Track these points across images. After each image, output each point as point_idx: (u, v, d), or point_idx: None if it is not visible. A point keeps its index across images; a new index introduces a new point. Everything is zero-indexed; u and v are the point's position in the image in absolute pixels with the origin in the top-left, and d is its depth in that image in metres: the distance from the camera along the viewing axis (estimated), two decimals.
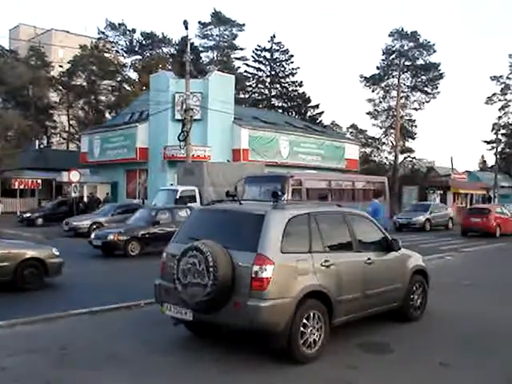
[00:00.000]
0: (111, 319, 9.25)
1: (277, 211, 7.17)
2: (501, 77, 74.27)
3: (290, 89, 67.36)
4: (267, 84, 68.02)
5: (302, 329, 6.84)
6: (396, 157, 60.86)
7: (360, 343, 7.80)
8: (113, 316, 9.49)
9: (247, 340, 7.32)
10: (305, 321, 6.87)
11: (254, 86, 68.31)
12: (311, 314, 6.96)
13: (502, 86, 74.67)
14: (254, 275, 6.54)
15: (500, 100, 75.35)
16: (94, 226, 23.81)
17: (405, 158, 65.28)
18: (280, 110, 63.92)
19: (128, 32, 62.43)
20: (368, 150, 66.25)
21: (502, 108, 75.81)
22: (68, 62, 56.59)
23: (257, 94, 68.29)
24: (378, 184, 28.45)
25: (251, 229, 6.92)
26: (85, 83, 57.28)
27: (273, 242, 6.76)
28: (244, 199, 8.23)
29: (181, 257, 6.96)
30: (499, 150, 75.36)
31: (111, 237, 18.16)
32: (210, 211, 7.99)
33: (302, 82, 67.03)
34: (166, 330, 8.00)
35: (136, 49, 63.43)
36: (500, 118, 76.40)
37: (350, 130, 69.59)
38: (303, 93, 66.82)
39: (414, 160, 66.66)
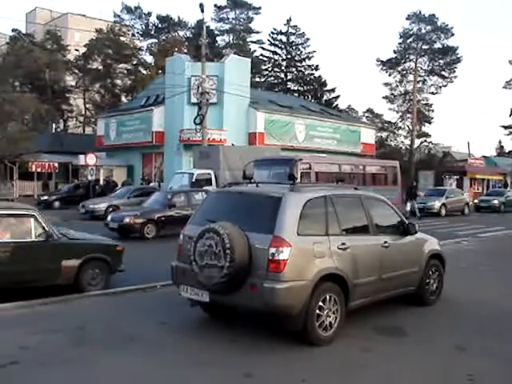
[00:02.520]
0: (127, 301, 9.33)
1: (294, 193, 7.16)
2: None
3: (305, 72, 67.10)
4: (283, 68, 67.76)
5: (317, 311, 6.86)
6: (412, 141, 60.57)
7: (375, 326, 7.82)
8: (129, 298, 9.57)
9: (263, 321, 7.36)
10: (321, 303, 6.89)
11: (269, 69, 68.09)
12: (327, 297, 6.97)
13: None
14: (270, 257, 6.56)
15: None
16: (111, 209, 23.94)
17: (421, 143, 64.90)
18: (296, 94, 63.69)
19: (144, 15, 62.45)
20: (384, 134, 65.95)
21: None
22: (84, 46, 56.71)
23: (273, 78, 68.08)
24: (390, 168, 28.15)
25: (268, 211, 6.93)
26: (101, 67, 57.38)
27: (290, 224, 6.77)
28: (262, 182, 8.20)
29: (198, 239, 6.99)
30: None
31: (127, 219, 18.27)
32: (227, 193, 8.00)
33: (318, 65, 66.85)
34: (182, 311, 8.05)
35: (152, 32, 63.38)
36: None
37: (366, 114, 69.26)
38: (319, 76, 66.55)
39: (430, 145, 66.23)
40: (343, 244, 7.27)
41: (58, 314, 8.35)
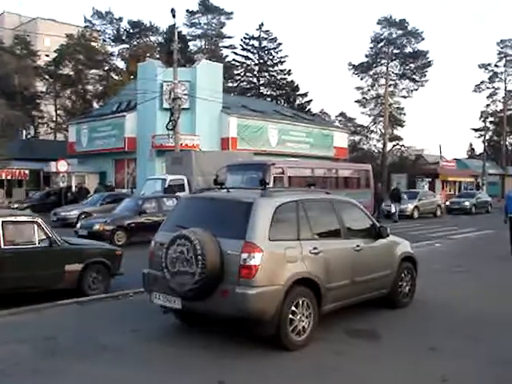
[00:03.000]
0: (99, 309, 9.22)
1: (265, 199, 7.15)
2: (489, 65, 74.74)
3: (278, 77, 67.27)
4: (255, 72, 67.87)
5: (290, 316, 6.84)
6: (384, 145, 61.08)
7: (349, 330, 7.83)
8: (102, 306, 9.47)
9: (236, 327, 7.31)
10: (294, 308, 6.88)
11: (242, 74, 68.15)
12: (300, 302, 6.96)
13: (490, 73, 75.18)
14: (242, 263, 6.54)
15: (488, 88, 75.92)
16: (83, 216, 23.68)
17: (393, 146, 65.53)
18: (268, 99, 63.79)
19: (115, 20, 61.94)
20: (357, 138, 66.46)
21: (490, 96, 76.36)
22: (54, 51, 56.09)
23: (245, 83, 68.14)
24: (363, 172, 28.28)
25: (239, 216, 6.91)
26: (72, 72, 56.77)
27: (261, 229, 6.75)
28: (233, 187, 8.18)
29: (169, 245, 6.94)
30: (487, 137, 76.03)
31: (97, 226, 18.07)
32: (198, 199, 7.96)
33: (290, 70, 67.11)
34: (155, 318, 7.97)
35: (123, 37, 62.89)
36: (488, 105, 77.04)
37: (339, 118, 69.76)
38: (292, 81, 66.76)
39: (402, 148, 66.89)
40: (315, 248, 7.26)
41: (29, 323, 8.20)
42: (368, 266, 8.28)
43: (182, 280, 6.75)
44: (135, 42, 63.15)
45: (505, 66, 74.90)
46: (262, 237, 6.72)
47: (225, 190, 7.88)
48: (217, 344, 7.11)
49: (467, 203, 38.13)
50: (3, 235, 9.31)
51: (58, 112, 59.08)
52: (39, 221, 9.77)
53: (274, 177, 21.26)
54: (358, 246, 8.11)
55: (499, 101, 76.58)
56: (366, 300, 8.53)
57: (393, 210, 30.35)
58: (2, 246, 9.25)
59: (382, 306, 9.01)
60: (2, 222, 9.40)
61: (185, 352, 6.86)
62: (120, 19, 62.14)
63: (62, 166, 31.08)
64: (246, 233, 6.67)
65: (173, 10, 28.44)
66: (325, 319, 7.62)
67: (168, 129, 28.69)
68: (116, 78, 59.37)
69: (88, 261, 10.36)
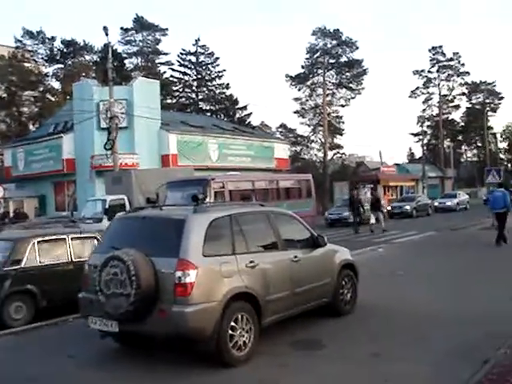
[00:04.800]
0: (36, 338, 8.89)
1: (197, 215, 7.08)
2: (423, 71, 77.10)
3: (217, 91, 67.31)
4: (194, 88, 67.75)
5: (230, 332, 6.76)
6: (325, 154, 61.80)
7: (292, 341, 7.78)
8: (40, 333, 9.15)
9: (176, 346, 7.18)
10: (233, 323, 6.80)
11: (180, 90, 67.88)
12: (239, 316, 6.89)
13: (424, 79, 77.29)
14: (177, 281, 6.43)
15: (423, 93, 78.30)
16: None
17: (334, 155, 66.42)
18: (208, 114, 63.74)
19: (47, 40, 60.47)
20: (298, 148, 66.97)
21: (426, 101, 78.66)
22: None
23: (184, 99, 67.89)
24: (304, 182, 28.47)
25: (172, 234, 6.81)
26: (5, 95, 55.39)
27: (195, 246, 6.67)
28: (166, 204, 8.07)
29: (102, 267, 6.77)
30: (425, 141, 78.11)
31: None
32: (131, 219, 7.82)
33: (228, 84, 67.19)
34: (94, 343, 7.74)
35: (57, 57, 61.59)
36: (424, 110, 79.38)
37: (280, 129, 70.20)
38: (230, 95, 66.88)
39: (343, 156, 67.87)
40: (251, 262, 7.21)
41: None
42: (307, 276, 8.26)
43: (118, 302, 6.59)
44: (70, 62, 61.94)
45: (437, 71, 77.36)
46: (196, 253, 6.63)
47: (157, 208, 7.77)
48: (160, 365, 6.98)
49: (408, 207, 38.90)
50: (72, 250, 10.63)
51: None
52: (98, 236, 10.48)
53: (215, 192, 21.19)
54: (295, 256, 8.10)
55: (434, 105, 78.92)
56: (307, 310, 8.50)
57: (372, 221, 28.58)
58: (73, 260, 10.52)
59: (324, 314, 8.99)
60: (71, 237, 10.75)
61: (124, 376, 6.70)
62: (53, 39, 60.82)
63: None
64: (179, 250, 6.57)
65: (105, 28, 28.09)
66: (268, 332, 7.57)
67: (106, 148, 28.25)
68: (52, 98, 58.16)
69: None
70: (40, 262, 10.10)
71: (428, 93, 78.32)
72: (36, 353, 7.97)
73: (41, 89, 57.92)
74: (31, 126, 57.63)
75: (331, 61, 64.12)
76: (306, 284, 8.18)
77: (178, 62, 66.62)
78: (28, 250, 10.11)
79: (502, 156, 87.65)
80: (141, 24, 64.42)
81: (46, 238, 10.52)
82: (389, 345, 7.51)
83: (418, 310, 9.43)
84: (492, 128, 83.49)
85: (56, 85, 60.17)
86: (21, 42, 59.66)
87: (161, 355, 7.37)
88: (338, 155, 67.74)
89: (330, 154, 64.00)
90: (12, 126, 56.95)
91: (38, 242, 10.27)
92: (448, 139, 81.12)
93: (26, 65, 56.71)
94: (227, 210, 7.76)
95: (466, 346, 7.29)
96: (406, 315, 9.12)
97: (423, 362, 6.78)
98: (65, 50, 61.41)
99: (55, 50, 61.18)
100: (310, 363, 6.91)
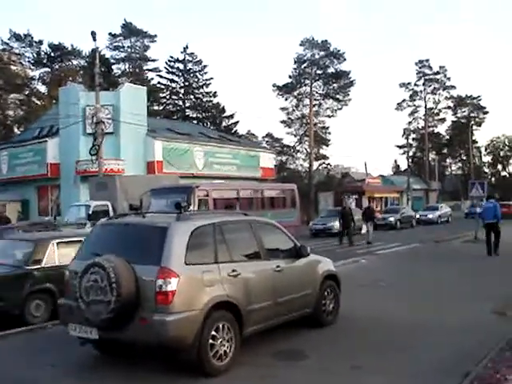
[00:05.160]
0: (13, 345, 8.71)
1: (180, 223, 7.03)
2: (409, 84, 77.65)
3: (204, 99, 67.21)
4: (181, 95, 67.64)
5: (211, 341, 6.70)
6: (311, 164, 61.88)
7: (274, 352, 7.73)
8: (15, 340, 8.98)
9: (157, 355, 7.12)
10: (214, 333, 6.75)
11: (167, 97, 67.72)
12: (220, 326, 6.84)
13: (411, 92, 77.85)
14: (158, 289, 6.37)
15: (409, 106, 78.84)
16: None
17: (320, 165, 66.54)
18: (195, 121, 63.58)
19: (35, 43, 60.16)
20: (284, 158, 67.02)
21: (412, 113, 79.25)
22: None
23: (171, 106, 67.73)
24: (288, 191, 28.32)
25: (154, 242, 6.75)
26: None
27: (176, 254, 6.62)
28: (148, 212, 8.00)
29: (83, 274, 6.70)
30: (410, 154, 78.68)
31: None
32: (113, 225, 7.74)
33: (216, 92, 67.09)
34: (74, 351, 7.63)
35: (44, 61, 61.26)
36: (410, 123, 79.99)
37: (266, 138, 70.24)
38: (218, 103, 66.87)
39: (328, 166, 68.00)
40: (234, 271, 7.18)
41: None
42: (290, 286, 8.23)
43: (97, 309, 6.51)
44: (57, 66, 61.67)
45: (424, 84, 77.90)
46: (178, 261, 6.58)
47: (140, 215, 7.72)
48: (140, 374, 6.91)
49: (392, 219, 39.03)
50: None
51: None
52: None
53: (199, 200, 21.02)
54: (278, 266, 8.07)
55: (420, 118, 79.50)
56: (290, 320, 8.46)
57: (364, 231, 28.26)
58: None
59: (306, 325, 8.96)
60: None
61: None
62: (40, 42, 60.50)
63: None
64: (161, 258, 6.52)
65: (93, 33, 28.01)
66: (249, 342, 7.52)
67: (91, 154, 28.13)
68: (38, 102, 57.86)
69: None
70: (59, 262, 10.36)
71: (414, 105, 78.86)
72: (14, 360, 7.83)
73: (27, 92, 57.69)
74: (16, 130, 57.26)
75: (318, 71, 64.25)
76: (288, 294, 8.15)
77: (166, 68, 66.53)
78: (48, 250, 10.67)
79: (486, 170, 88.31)
80: (129, 30, 64.32)
81: (64, 239, 11.10)
82: (370, 357, 7.49)
83: (401, 321, 9.45)
84: (477, 142, 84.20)
85: (42, 89, 60.00)
86: (7, 44, 59.31)
87: (141, 364, 7.29)
88: (324, 166, 67.89)
89: (315, 164, 64.17)
90: None
91: (57, 244, 10.80)
92: (433, 152, 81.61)
93: (13, 68, 56.49)
94: (210, 218, 7.73)
95: (448, 358, 7.30)
96: (388, 327, 9.13)
97: (405, 374, 6.78)
98: (52, 54, 61.06)
99: (42, 53, 60.85)
100: (292, 374, 6.87)
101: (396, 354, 7.63)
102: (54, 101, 50.22)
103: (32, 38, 59.90)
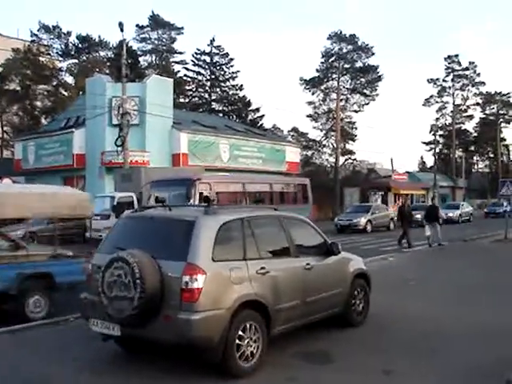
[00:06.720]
0: (36, 337, 8.57)
1: (208, 217, 6.77)
2: (437, 79, 76.75)
3: (230, 92, 66.97)
4: (207, 88, 67.48)
5: (237, 341, 6.44)
6: (337, 159, 61.28)
7: (300, 352, 7.47)
8: (40, 333, 8.83)
9: (180, 354, 6.87)
10: (241, 332, 6.48)
11: (193, 89, 67.61)
12: (247, 325, 6.57)
13: (439, 88, 76.92)
14: (184, 286, 6.12)
15: (437, 102, 77.96)
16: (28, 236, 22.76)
17: (346, 160, 65.83)
18: (220, 114, 63.40)
19: (63, 35, 60.50)
20: (309, 152, 66.50)
21: (439, 110, 78.33)
22: (0, 66, 54.65)
23: (197, 98, 67.64)
24: (300, 186, 26.83)
25: (181, 236, 6.51)
26: (19, 88, 55.41)
27: (204, 249, 6.36)
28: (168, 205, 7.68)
29: (106, 268, 6.47)
30: (437, 150, 77.66)
31: None
32: (138, 218, 7.50)
33: (242, 85, 66.78)
34: (96, 346, 7.44)
35: (72, 52, 61.60)
36: (437, 119, 79.02)
37: (291, 133, 69.63)
38: (244, 96, 66.51)
39: (354, 162, 67.31)
40: (262, 268, 6.89)
41: None
42: (319, 285, 7.96)
43: (120, 306, 6.28)
44: (84, 57, 61.96)
45: (452, 80, 76.87)
46: (205, 258, 6.32)
47: (166, 208, 7.45)
48: (163, 373, 6.69)
49: (419, 216, 38.39)
50: None
51: (5, 128, 57.51)
52: None
53: (200, 193, 19.40)
54: (308, 264, 7.78)
55: (448, 114, 78.53)
56: (318, 320, 8.18)
57: (427, 233, 23.63)
58: None
59: (334, 325, 8.69)
60: None
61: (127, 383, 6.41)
62: (68, 34, 60.83)
63: None
64: (187, 254, 6.26)
65: (120, 24, 27.93)
66: (275, 342, 7.25)
67: (117, 145, 28.08)
68: (65, 93, 58.10)
69: None
70: None
71: (442, 102, 78.01)
72: (39, 353, 7.66)
73: (54, 83, 57.90)
74: (43, 120, 57.63)
75: (346, 66, 63.56)
76: (317, 293, 7.88)
77: (193, 61, 66.43)
78: None
79: None
80: (156, 22, 64.24)
81: None
82: (402, 360, 7.20)
83: (432, 323, 9.13)
84: (505, 139, 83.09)
85: (69, 80, 60.14)
86: (37, 36, 59.78)
87: (163, 362, 7.07)
88: (350, 161, 67.19)
89: (341, 159, 63.48)
90: (24, 120, 57.00)
91: None
92: (460, 149, 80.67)
93: (41, 59, 56.77)
94: (239, 212, 7.47)
95: (485, 363, 6.97)
96: (419, 328, 8.81)
97: (439, 380, 6.47)
98: (80, 46, 61.39)
99: (70, 44, 61.18)
100: (318, 377, 6.62)
101: (429, 357, 7.32)
102: (80, 92, 50.38)
103: (60, 29, 60.27)
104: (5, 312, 9.68)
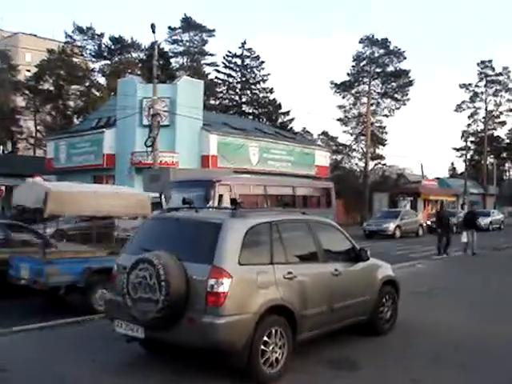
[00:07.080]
0: (60, 336, 8.59)
1: (235, 220, 6.68)
2: (470, 85, 75.57)
3: (260, 95, 66.93)
4: (237, 90, 67.54)
5: (262, 347, 6.34)
6: (366, 163, 60.78)
7: (326, 360, 7.34)
8: (64, 331, 8.85)
9: (206, 358, 6.78)
10: (266, 338, 6.38)
11: (224, 92, 67.76)
12: (273, 331, 6.46)
13: (471, 93, 75.82)
14: (209, 289, 6.04)
15: (469, 108, 76.73)
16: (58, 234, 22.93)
17: (375, 165, 65.25)
18: (250, 117, 63.44)
19: (96, 36, 61.23)
20: (339, 156, 66.08)
21: (471, 116, 77.14)
22: (35, 66, 55.45)
23: (227, 101, 67.72)
24: (323, 190, 26.23)
25: (207, 239, 6.42)
26: (52, 88, 56.19)
27: (230, 253, 6.27)
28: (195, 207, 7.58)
29: (131, 269, 6.41)
30: (468, 157, 76.48)
31: None
32: (164, 220, 7.42)
33: (272, 88, 66.72)
34: (120, 346, 7.38)
35: (104, 53, 62.29)
36: (469, 125, 77.87)
37: (321, 136, 69.25)
38: (274, 99, 66.43)
39: (384, 167, 66.69)
40: (290, 273, 6.78)
41: None
42: (347, 292, 7.82)
43: (145, 308, 6.22)
44: (116, 58, 62.56)
45: (485, 86, 75.74)
46: (232, 261, 6.23)
47: (193, 210, 7.37)
48: (186, 377, 6.63)
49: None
50: None
51: (38, 127, 58.35)
52: None
53: (220, 195, 18.99)
54: (336, 269, 7.64)
55: (480, 120, 77.30)
56: (344, 327, 8.05)
57: (464, 240, 22.76)
58: None
59: (361, 333, 8.54)
60: None
61: None
62: (101, 35, 61.55)
63: None
64: (214, 257, 6.18)
65: (152, 26, 27.94)
66: (300, 348, 7.13)
67: (147, 146, 28.12)
68: (97, 93, 58.74)
69: None
70: None
71: (474, 107, 76.78)
72: (62, 352, 7.66)
73: (87, 84, 58.67)
74: (75, 120, 58.34)
75: (377, 70, 63.01)
76: (345, 300, 7.74)
77: (224, 63, 66.57)
78: None
79: None
80: (188, 24, 64.52)
81: None
82: (430, 370, 7.04)
83: (460, 333, 8.93)
84: None
85: (102, 80, 60.89)
86: (71, 37, 60.64)
87: (188, 366, 6.98)
88: (379, 166, 66.59)
89: (371, 164, 62.96)
90: (57, 119, 57.77)
91: None
92: (492, 156, 79.42)
93: (75, 60, 57.58)
94: (267, 216, 7.35)
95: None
96: (447, 339, 8.61)
97: None
98: (112, 47, 62.05)
99: (103, 46, 61.91)
100: None
101: (456, 370, 7.13)
102: (112, 92, 50.84)
103: (94, 31, 61.02)
104: (70, 304, 10.71)
